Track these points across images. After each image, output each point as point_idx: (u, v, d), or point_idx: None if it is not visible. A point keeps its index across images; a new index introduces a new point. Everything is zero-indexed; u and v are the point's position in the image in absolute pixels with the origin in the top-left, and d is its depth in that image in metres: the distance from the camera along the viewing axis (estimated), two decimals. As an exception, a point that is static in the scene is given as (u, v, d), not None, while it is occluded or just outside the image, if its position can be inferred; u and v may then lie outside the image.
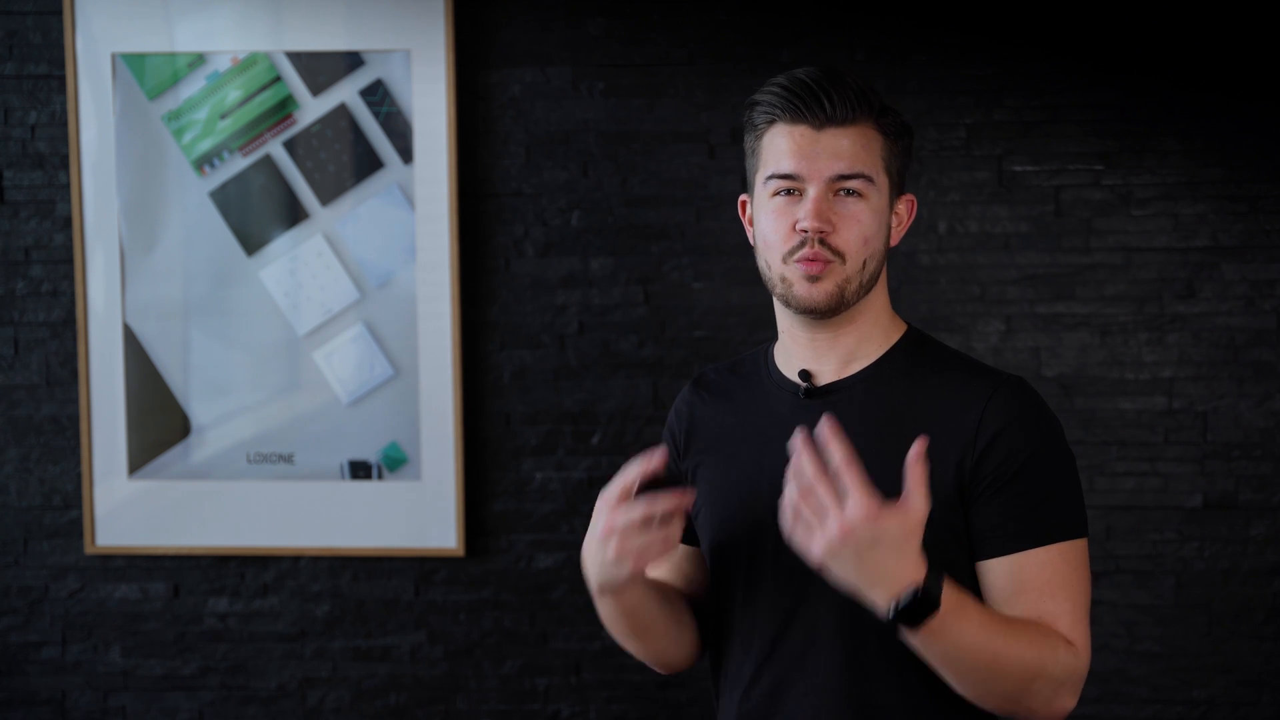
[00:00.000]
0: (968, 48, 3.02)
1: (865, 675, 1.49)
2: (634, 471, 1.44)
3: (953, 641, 1.38)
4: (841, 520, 1.32)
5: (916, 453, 1.35)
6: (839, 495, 1.33)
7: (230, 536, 3.13)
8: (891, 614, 1.35)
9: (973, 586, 1.50)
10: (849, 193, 1.50)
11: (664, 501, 1.43)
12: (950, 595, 1.36)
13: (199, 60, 3.07)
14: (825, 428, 1.34)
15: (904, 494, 1.34)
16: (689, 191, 3.08)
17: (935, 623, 1.35)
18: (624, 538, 1.43)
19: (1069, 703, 1.46)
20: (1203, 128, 2.98)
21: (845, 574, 1.35)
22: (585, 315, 3.11)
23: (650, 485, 1.43)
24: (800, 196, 1.50)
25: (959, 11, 3.01)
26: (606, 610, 1.59)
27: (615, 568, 1.46)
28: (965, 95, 3.02)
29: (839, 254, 1.49)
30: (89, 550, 3.14)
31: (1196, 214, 3.00)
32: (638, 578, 1.49)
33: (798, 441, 1.36)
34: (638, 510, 1.42)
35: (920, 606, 1.34)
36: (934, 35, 3.02)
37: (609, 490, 1.45)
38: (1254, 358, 3.00)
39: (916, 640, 1.38)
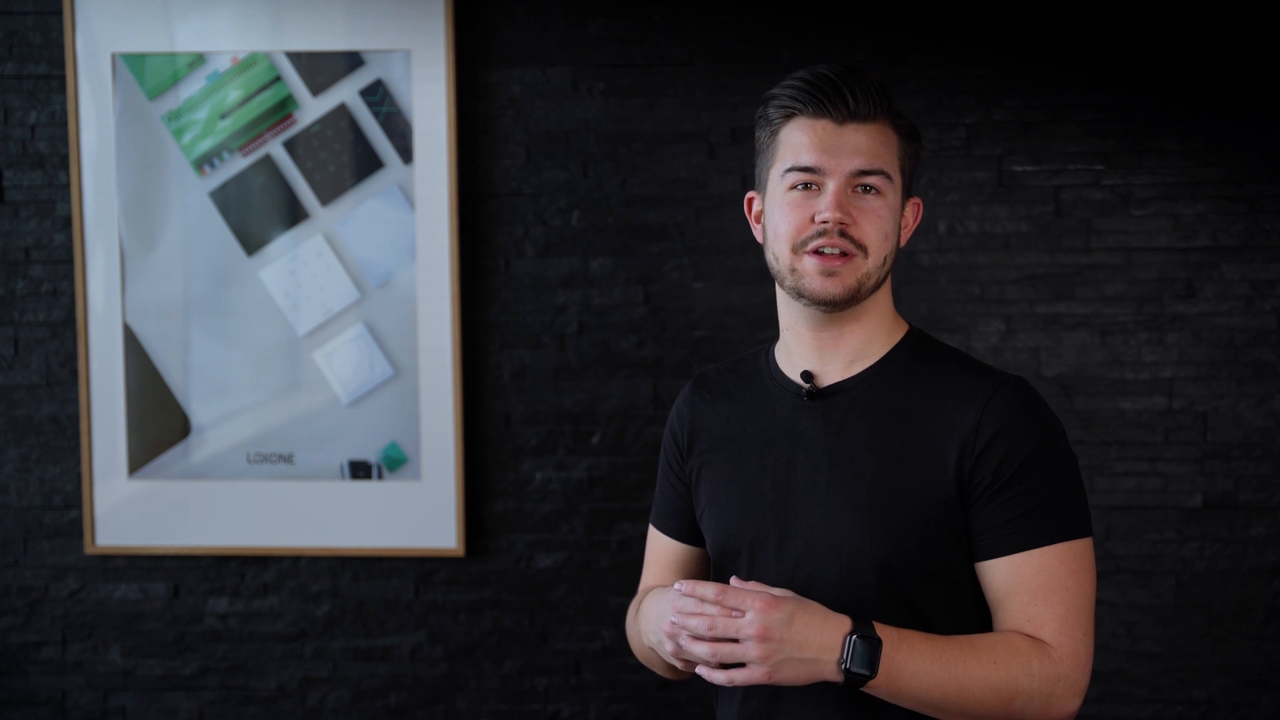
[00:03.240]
0: (968, 48, 3.02)
1: None
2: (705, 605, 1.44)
3: (913, 676, 1.40)
4: (753, 626, 1.37)
5: (732, 584, 1.41)
6: (735, 617, 1.38)
7: (230, 536, 3.13)
8: (845, 671, 1.38)
9: (972, 587, 1.50)
10: (867, 189, 1.50)
11: (727, 649, 1.44)
12: (888, 632, 1.40)
13: (199, 60, 3.07)
14: (682, 588, 1.40)
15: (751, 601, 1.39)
16: (689, 191, 3.08)
17: (888, 662, 1.38)
18: (691, 642, 1.45)
19: (1068, 708, 1.45)
20: (1203, 128, 2.98)
21: (793, 668, 1.38)
22: (585, 315, 3.11)
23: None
24: (818, 191, 1.50)
25: (959, 11, 3.01)
26: (645, 653, 1.65)
27: (668, 655, 1.50)
28: (965, 95, 3.02)
29: (861, 247, 1.49)
30: (89, 550, 3.14)
31: (1196, 214, 3.00)
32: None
33: (668, 629, 1.41)
34: (707, 629, 1.42)
35: (865, 650, 1.38)
36: (934, 35, 3.02)
37: (686, 602, 1.43)
38: (1254, 358, 3.00)
39: (882, 689, 1.41)
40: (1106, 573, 3.03)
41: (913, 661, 1.40)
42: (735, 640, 1.38)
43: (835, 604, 1.47)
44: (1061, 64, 3.00)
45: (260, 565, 3.16)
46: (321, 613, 3.16)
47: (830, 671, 1.38)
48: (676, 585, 1.42)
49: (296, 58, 3.06)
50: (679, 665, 1.49)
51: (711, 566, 1.64)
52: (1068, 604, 1.46)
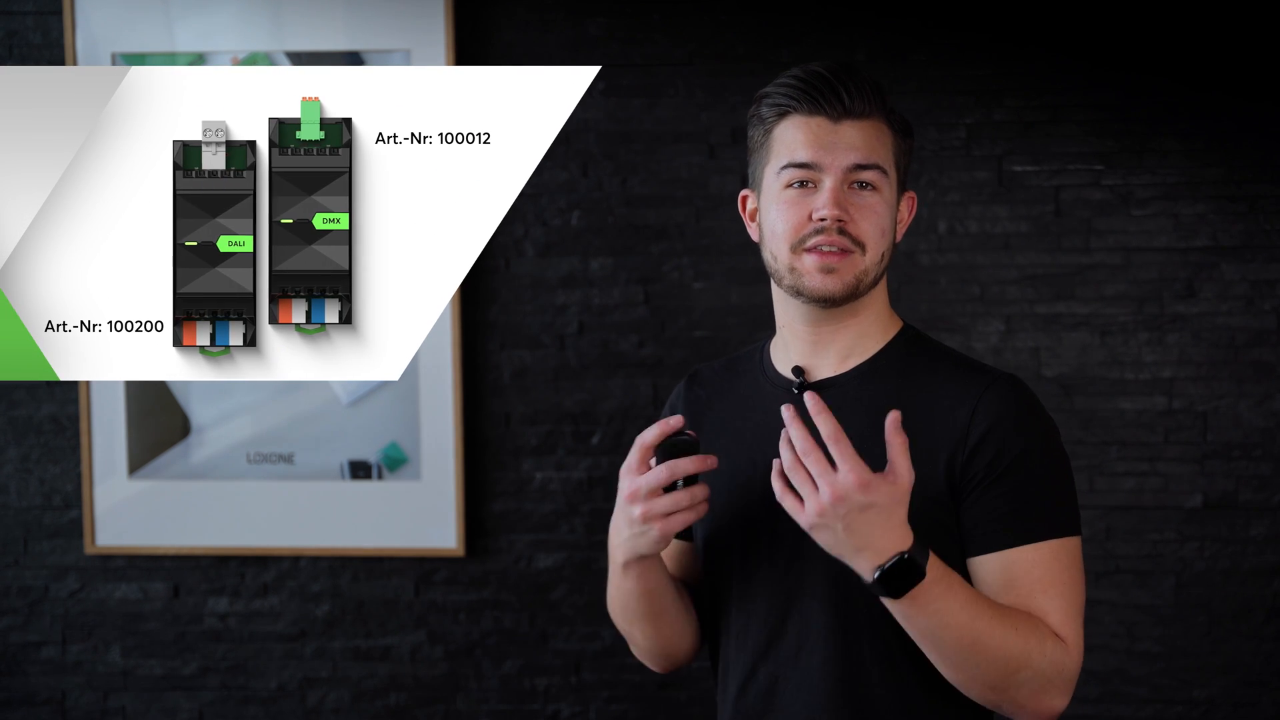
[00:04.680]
0: (968, 48, 3.02)
1: (858, 671, 1.49)
2: (652, 434, 1.44)
3: (935, 615, 1.38)
4: (834, 487, 1.34)
5: (893, 422, 1.36)
6: (830, 465, 1.35)
7: (230, 536, 3.13)
8: (875, 578, 1.36)
9: None
10: (863, 185, 1.50)
11: (686, 463, 1.43)
12: (936, 568, 1.38)
13: (199, 60, 3.07)
14: (812, 402, 1.36)
15: (889, 463, 1.36)
16: (689, 191, 3.08)
17: (919, 592, 1.36)
18: (649, 501, 1.44)
19: (1058, 703, 1.44)
20: (1203, 128, 2.98)
21: (833, 540, 1.36)
22: (585, 315, 3.11)
23: (671, 451, 1.44)
24: (814, 188, 1.49)
25: (959, 11, 3.01)
26: (628, 588, 1.59)
27: (642, 535, 1.47)
28: (965, 95, 3.02)
29: (860, 243, 1.49)
30: (89, 550, 3.14)
31: (1196, 214, 3.00)
32: (665, 544, 1.48)
33: (788, 414, 1.37)
34: (661, 472, 1.43)
35: (904, 574, 1.35)
36: (934, 35, 3.02)
37: (630, 458, 1.45)
38: (1254, 358, 3.00)
39: (899, 610, 1.39)
40: (1106, 573, 3.03)
41: (941, 601, 1.38)
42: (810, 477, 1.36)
43: (828, 600, 1.46)
44: (1061, 64, 3.00)
45: (260, 565, 3.16)
46: (321, 613, 3.16)
47: (863, 568, 1.37)
48: (807, 397, 1.37)
49: (296, 58, 3.06)
50: (655, 531, 1.44)
51: (702, 562, 1.64)
52: (1066, 598, 1.46)
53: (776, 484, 1.38)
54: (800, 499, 1.36)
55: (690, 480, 1.44)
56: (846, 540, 1.35)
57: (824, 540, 1.37)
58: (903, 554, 1.35)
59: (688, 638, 1.65)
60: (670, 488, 1.44)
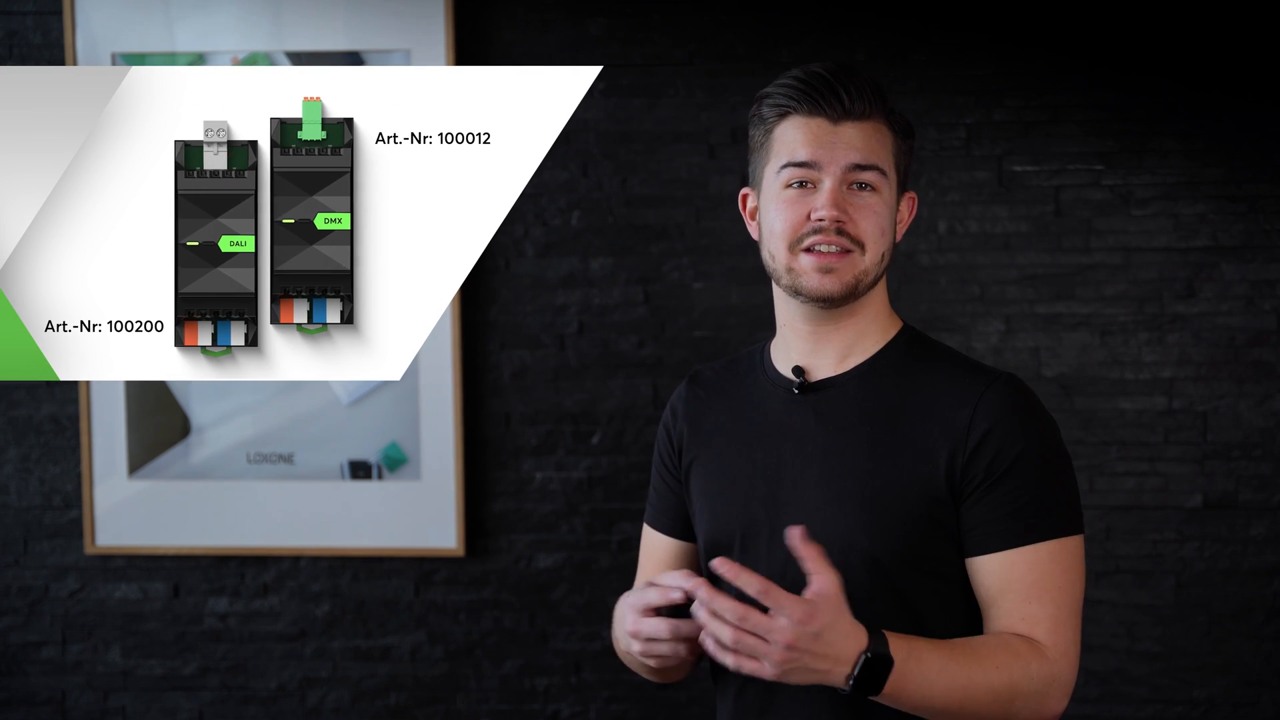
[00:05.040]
0: (968, 48, 3.02)
1: None
2: (656, 599, 1.47)
3: (917, 690, 1.40)
4: (783, 634, 1.34)
5: (797, 536, 1.38)
6: (771, 615, 1.35)
7: (230, 536, 3.13)
8: (851, 687, 1.37)
9: (963, 583, 1.50)
10: (863, 186, 1.50)
11: (690, 626, 1.46)
12: (900, 647, 1.39)
13: (199, 60, 3.07)
14: (726, 569, 1.37)
15: (811, 579, 1.37)
16: (689, 191, 3.08)
17: (895, 678, 1.38)
18: (649, 645, 1.49)
19: (1057, 708, 1.46)
20: (1203, 128, 2.98)
21: (805, 675, 1.37)
22: (585, 315, 3.11)
23: (675, 610, 1.49)
24: (814, 189, 1.50)
25: (959, 11, 3.01)
26: (630, 660, 1.65)
27: (639, 658, 1.54)
28: (965, 95, 3.02)
29: (859, 243, 1.49)
30: (89, 550, 3.14)
31: (1196, 214, 3.00)
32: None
33: (703, 594, 1.38)
34: (663, 629, 1.47)
35: (875, 670, 1.37)
36: (934, 35, 3.02)
37: (637, 599, 1.49)
38: (1254, 358, 3.00)
39: (886, 700, 1.40)
40: (1106, 573, 3.03)
41: (919, 674, 1.39)
42: (760, 637, 1.37)
43: None
44: (1061, 64, 3.00)
45: (260, 565, 3.16)
46: (321, 613, 3.16)
47: (837, 681, 1.38)
48: (714, 562, 1.40)
49: (296, 58, 3.06)
50: (651, 664, 1.51)
51: (703, 562, 1.64)
52: (1059, 603, 1.46)
53: (727, 659, 1.38)
54: (756, 659, 1.37)
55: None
56: (816, 669, 1.37)
57: (798, 680, 1.38)
58: (865, 654, 1.36)
59: (687, 669, 1.67)
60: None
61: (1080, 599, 1.48)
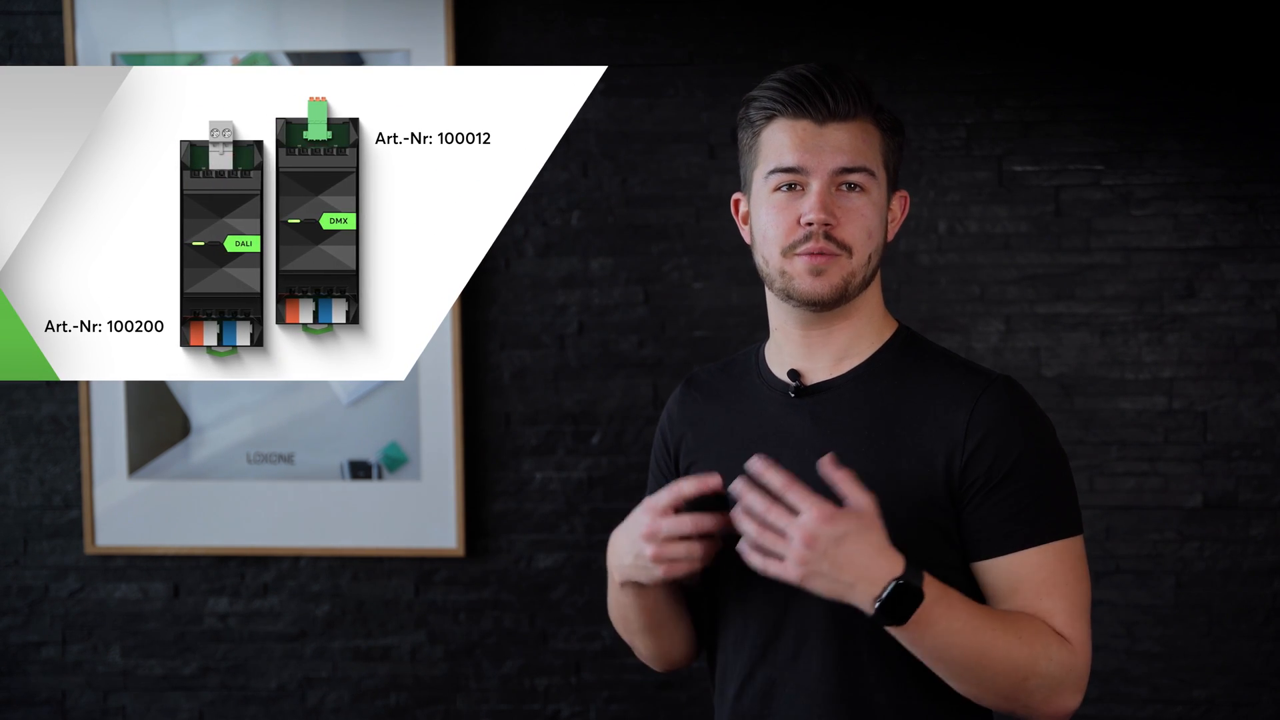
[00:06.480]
0: (968, 48, 3.02)
1: (856, 675, 1.49)
2: (690, 486, 1.46)
3: (940, 635, 1.39)
4: (802, 529, 1.35)
5: (828, 462, 1.39)
6: (792, 514, 1.37)
7: (230, 536, 3.13)
8: (876, 609, 1.36)
9: (966, 587, 1.50)
10: (851, 187, 1.50)
11: (711, 520, 1.46)
12: (933, 587, 1.38)
13: (199, 60, 3.07)
14: (758, 464, 1.38)
15: (845, 499, 1.38)
16: (689, 191, 3.08)
17: (921, 614, 1.37)
18: (664, 545, 1.46)
19: (1071, 702, 1.45)
20: (1203, 128, 2.99)
21: (826, 582, 1.37)
22: (585, 315, 3.11)
23: (696, 504, 1.47)
24: (802, 191, 1.50)
25: (959, 11, 3.01)
26: (626, 603, 1.60)
27: (644, 570, 1.49)
28: (965, 95, 3.03)
29: (845, 247, 1.49)
30: (89, 550, 3.14)
31: (1196, 214, 3.00)
32: (661, 582, 1.52)
33: (738, 487, 1.39)
34: (686, 523, 1.45)
35: (903, 599, 1.36)
36: (934, 35, 3.02)
37: (660, 497, 1.47)
38: (1254, 358, 3.00)
39: (905, 635, 1.39)
40: (1106, 573, 3.03)
41: (945, 620, 1.38)
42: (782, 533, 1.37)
43: (826, 603, 1.46)
44: (1061, 64, 3.00)
45: (260, 565, 3.16)
46: (321, 613, 3.16)
47: (862, 601, 1.37)
48: (750, 461, 1.40)
49: (296, 58, 3.06)
50: (659, 572, 1.47)
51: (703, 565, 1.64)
52: (1071, 599, 1.46)
53: (753, 558, 1.39)
54: (779, 558, 1.37)
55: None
56: (839, 577, 1.36)
57: (820, 586, 1.38)
58: (898, 580, 1.36)
59: (687, 645, 1.66)
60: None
61: (1089, 597, 1.48)
